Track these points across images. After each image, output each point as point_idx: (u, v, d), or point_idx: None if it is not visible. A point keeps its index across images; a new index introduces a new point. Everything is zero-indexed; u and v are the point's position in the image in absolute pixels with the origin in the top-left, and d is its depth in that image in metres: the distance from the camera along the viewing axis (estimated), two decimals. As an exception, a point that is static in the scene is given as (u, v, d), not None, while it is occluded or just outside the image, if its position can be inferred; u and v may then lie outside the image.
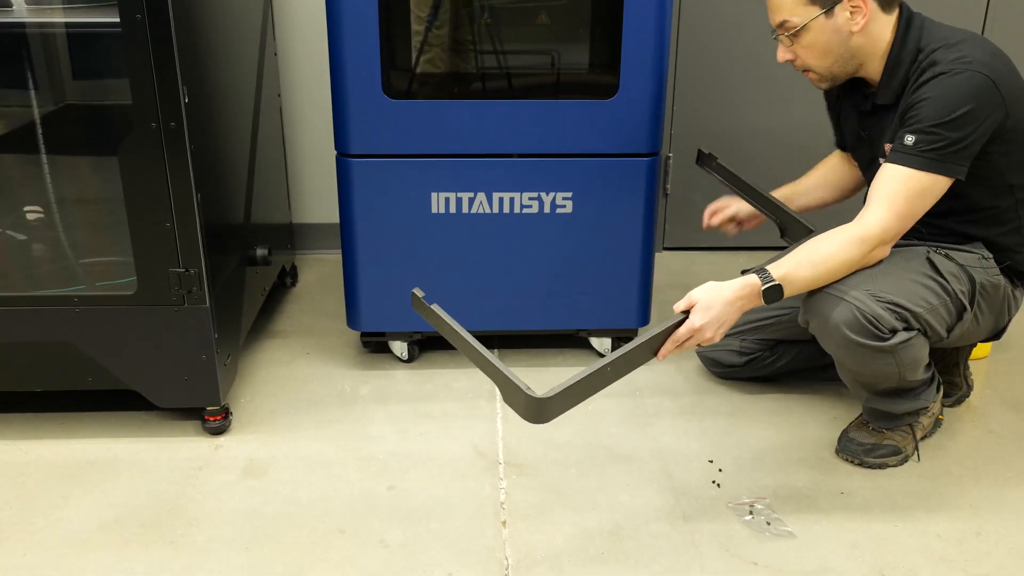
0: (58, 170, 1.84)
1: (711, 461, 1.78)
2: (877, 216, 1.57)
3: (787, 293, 1.55)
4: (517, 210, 1.98)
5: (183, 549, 1.52)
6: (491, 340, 2.21)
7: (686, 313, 1.51)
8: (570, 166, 1.95)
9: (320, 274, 2.67)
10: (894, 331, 1.58)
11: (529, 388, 1.40)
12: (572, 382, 1.42)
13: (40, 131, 1.82)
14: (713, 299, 1.51)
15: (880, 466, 1.75)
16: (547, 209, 1.98)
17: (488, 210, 1.98)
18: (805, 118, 2.03)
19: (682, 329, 1.50)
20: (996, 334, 1.81)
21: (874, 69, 1.66)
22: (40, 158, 1.82)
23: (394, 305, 2.04)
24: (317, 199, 2.75)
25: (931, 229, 1.67)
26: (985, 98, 1.54)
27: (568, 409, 1.45)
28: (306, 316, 2.40)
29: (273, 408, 1.95)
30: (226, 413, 1.85)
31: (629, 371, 1.51)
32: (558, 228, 2.00)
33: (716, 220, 1.96)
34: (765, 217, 1.89)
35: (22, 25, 1.72)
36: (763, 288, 1.53)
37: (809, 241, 1.62)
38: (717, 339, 1.53)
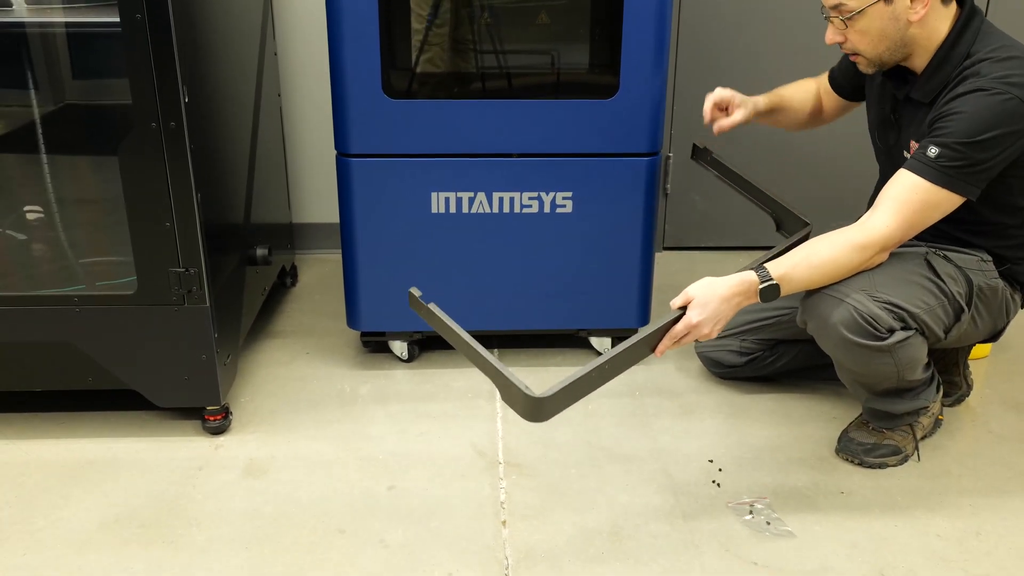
0: (58, 170, 1.84)
1: (711, 461, 1.78)
2: (884, 222, 1.56)
3: (784, 292, 1.55)
4: (517, 210, 1.98)
5: (183, 549, 1.52)
6: (491, 340, 2.21)
7: (683, 309, 1.51)
8: (570, 166, 1.95)
9: (320, 274, 2.68)
10: (892, 331, 1.58)
11: (527, 387, 1.40)
12: (570, 380, 1.42)
13: (40, 131, 1.82)
14: (710, 295, 1.51)
15: (880, 466, 1.75)
16: (547, 209, 1.98)
17: (488, 210, 1.98)
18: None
19: (679, 325, 1.50)
20: (994, 336, 1.81)
21: (921, 62, 1.63)
22: (40, 158, 1.82)
23: (394, 305, 2.04)
24: (317, 199, 2.75)
25: (934, 234, 1.66)
26: (1016, 124, 1.52)
27: (566, 407, 1.45)
28: (306, 316, 2.40)
29: (273, 408, 1.96)
30: (226, 413, 1.86)
31: (627, 368, 1.52)
32: (558, 228, 2.00)
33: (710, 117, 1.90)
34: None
35: (22, 25, 1.72)
36: (761, 286, 1.53)
37: (810, 241, 1.62)
38: (714, 335, 1.54)
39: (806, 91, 1.98)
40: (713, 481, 1.71)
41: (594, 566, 1.49)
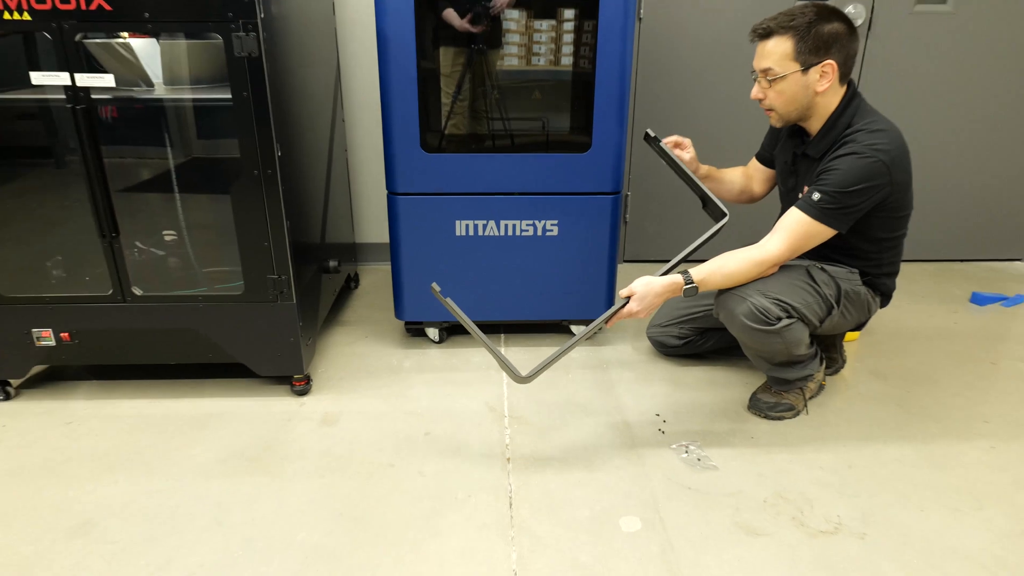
0: (187, 204, 1.86)
1: (657, 414, 1.79)
2: (776, 245, 1.59)
3: (701, 291, 1.60)
4: (518, 233, 1.99)
5: (277, 477, 1.54)
6: (498, 327, 2.22)
7: (627, 298, 1.59)
8: (556, 201, 1.96)
9: (375, 279, 2.69)
10: (779, 319, 1.60)
11: (514, 368, 1.54)
12: (546, 360, 1.57)
13: (174, 176, 1.84)
14: (647, 292, 1.57)
15: (779, 418, 1.76)
16: (540, 232, 1.99)
17: (497, 233, 1.99)
18: (742, 160, 2.04)
19: (623, 312, 1.59)
20: (860, 326, 1.83)
21: (816, 125, 1.63)
22: (174, 196, 1.84)
23: (429, 302, 2.05)
24: (373, 225, 2.76)
25: (816, 254, 1.67)
26: (878, 179, 1.52)
27: (542, 373, 1.59)
28: (365, 310, 2.41)
29: (341, 376, 1.97)
30: (308, 380, 1.86)
31: (586, 340, 1.63)
32: (548, 246, 2.01)
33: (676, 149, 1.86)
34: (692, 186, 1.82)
35: (161, 100, 1.73)
36: (685, 287, 1.58)
37: (721, 256, 1.63)
38: (644, 317, 1.62)
39: (735, 173, 1.96)
40: (659, 429, 1.72)
41: (574, 489, 1.50)
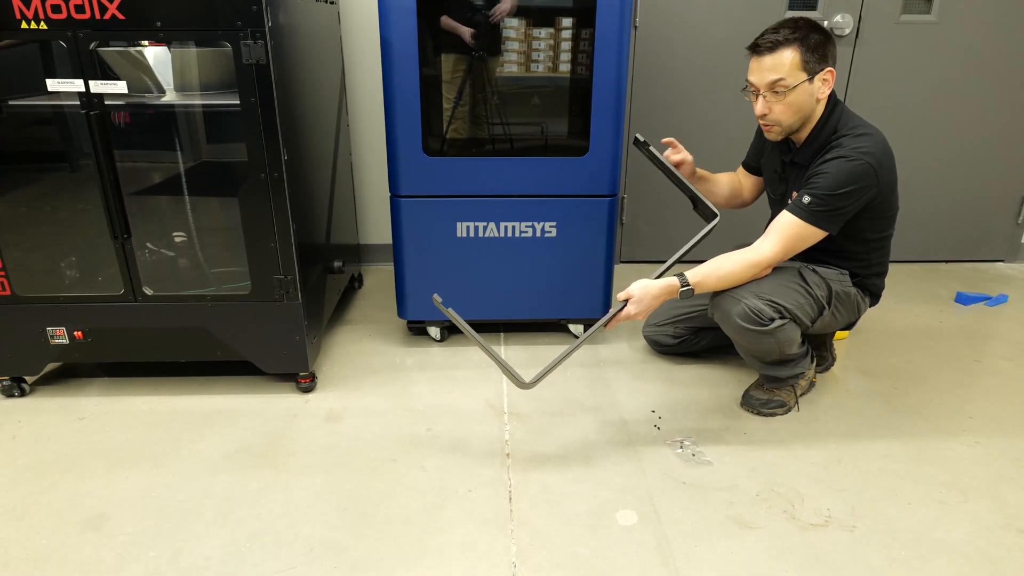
0: (196, 207, 1.85)
1: (653, 411, 1.79)
2: (769, 247, 1.58)
3: (697, 293, 1.59)
4: (517, 234, 1.99)
5: (283, 472, 1.54)
6: (498, 326, 2.22)
7: (624, 301, 1.58)
8: (555, 203, 1.96)
9: (378, 280, 2.68)
10: (772, 320, 1.59)
11: (518, 374, 1.51)
12: (548, 367, 1.54)
13: (184, 180, 1.84)
14: (644, 295, 1.57)
15: (771, 415, 1.76)
16: (538, 234, 1.99)
17: (497, 234, 1.98)
18: (733, 166, 2.04)
19: (621, 315, 1.58)
20: (850, 325, 1.83)
21: (803, 134, 1.63)
22: (184, 199, 1.84)
23: (431, 302, 2.04)
24: (377, 226, 2.75)
25: (807, 256, 1.67)
26: (866, 182, 1.53)
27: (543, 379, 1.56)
28: (369, 309, 2.41)
29: (346, 374, 1.96)
30: (313, 377, 1.86)
31: (586, 342, 1.60)
32: (546, 247, 2.00)
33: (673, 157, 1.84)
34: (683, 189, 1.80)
35: (172, 106, 1.73)
36: (681, 289, 1.56)
37: (716, 258, 1.62)
38: (642, 319, 1.63)
39: (726, 177, 1.94)
40: (655, 425, 1.72)
41: (572, 484, 1.50)
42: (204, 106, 1.75)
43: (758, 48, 1.54)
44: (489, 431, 1.69)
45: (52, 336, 1.74)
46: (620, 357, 2.07)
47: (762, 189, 1.93)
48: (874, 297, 1.77)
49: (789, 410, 1.77)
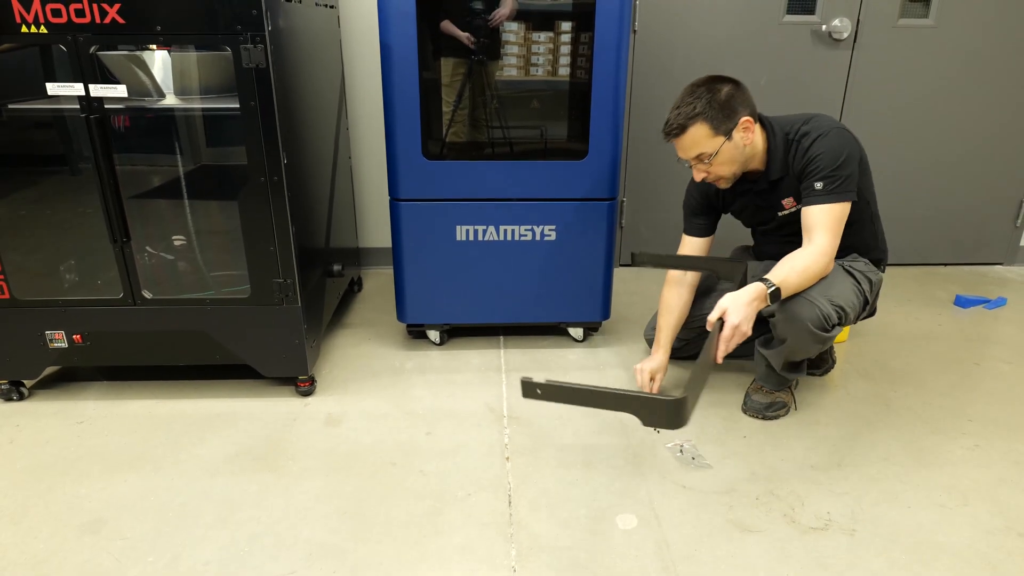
0: (196, 210, 1.85)
1: (652, 414, 1.78)
2: (824, 239, 1.56)
3: (784, 294, 1.53)
4: (517, 238, 1.98)
5: (283, 475, 1.53)
6: (497, 329, 2.22)
7: (720, 321, 1.43)
8: (554, 207, 1.96)
9: (378, 283, 2.68)
10: (834, 326, 1.58)
11: (667, 395, 1.22)
12: (689, 390, 1.23)
13: (183, 183, 1.83)
14: (738, 304, 1.45)
15: (775, 417, 1.75)
16: (538, 237, 1.99)
17: (496, 238, 1.98)
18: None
19: (726, 331, 1.43)
20: (872, 312, 1.81)
21: (758, 162, 1.65)
22: (184, 202, 1.84)
23: (430, 305, 2.05)
24: (376, 230, 2.76)
25: (838, 257, 1.67)
26: (852, 142, 1.58)
27: (694, 405, 1.26)
28: (368, 312, 2.41)
29: (345, 377, 1.96)
30: (312, 380, 1.86)
31: (707, 376, 1.37)
32: (546, 251, 2.00)
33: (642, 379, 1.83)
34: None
35: (172, 109, 1.73)
36: (769, 291, 1.50)
37: (786, 259, 1.57)
38: (749, 331, 1.44)
39: (690, 275, 1.85)
40: (654, 429, 1.71)
41: (572, 488, 1.50)
42: (204, 110, 1.74)
43: (670, 130, 1.58)
44: (489, 434, 1.69)
45: (51, 339, 1.74)
46: (620, 360, 2.07)
47: (709, 252, 1.88)
48: (882, 263, 1.78)
49: (789, 410, 1.78)
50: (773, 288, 1.50)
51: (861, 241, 1.72)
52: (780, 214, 1.70)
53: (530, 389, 1.24)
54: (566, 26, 1.94)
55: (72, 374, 1.95)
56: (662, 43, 2.54)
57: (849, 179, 1.56)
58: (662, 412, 1.21)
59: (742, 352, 1.96)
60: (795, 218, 1.65)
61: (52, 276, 1.78)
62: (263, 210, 1.63)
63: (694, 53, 2.55)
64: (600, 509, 1.43)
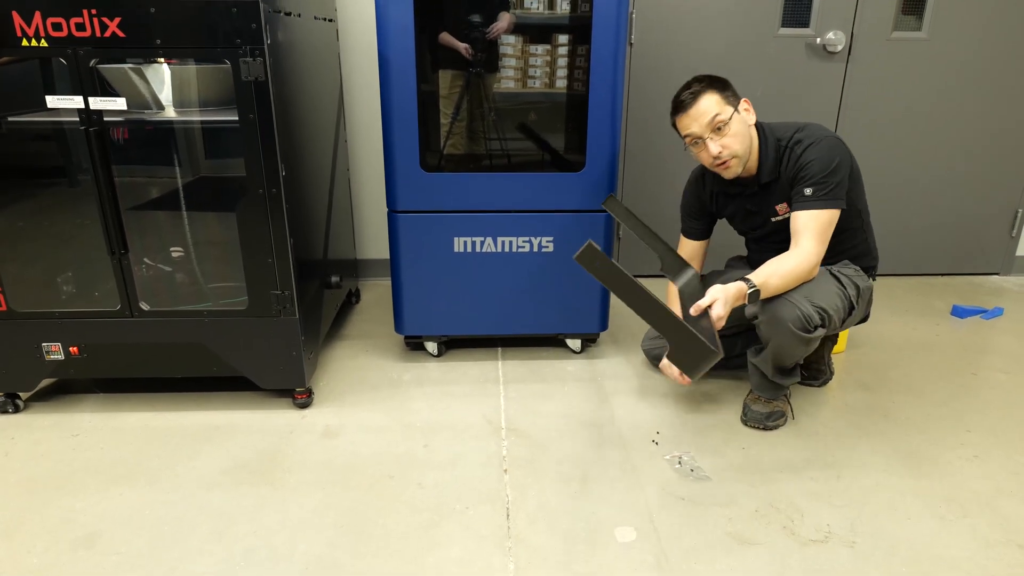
0: (194, 222, 1.85)
1: (652, 426, 1.78)
2: (809, 244, 1.59)
3: (763, 295, 1.57)
4: (515, 249, 1.99)
5: (279, 488, 1.52)
6: (495, 341, 2.22)
7: (710, 305, 1.50)
8: (552, 219, 1.97)
9: (376, 295, 2.68)
10: (816, 328, 1.59)
11: (704, 340, 1.26)
12: (706, 340, 1.29)
13: (182, 194, 1.84)
14: (725, 296, 1.50)
15: (774, 427, 1.75)
16: (536, 249, 1.99)
17: (494, 249, 1.99)
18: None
19: (713, 315, 1.48)
20: (865, 319, 1.83)
21: (752, 163, 1.69)
22: (182, 213, 1.84)
23: (428, 316, 2.05)
24: (374, 241, 2.75)
25: (827, 262, 1.71)
26: (844, 151, 1.62)
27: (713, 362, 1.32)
28: (366, 324, 2.40)
29: (343, 389, 1.95)
30: (309, 393, 1.85)
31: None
32: (544, 262, 2.01)
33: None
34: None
35: (171, 122, 1.74)
36: (748, 291, 1.54)
37: (770, 261, 1.61)
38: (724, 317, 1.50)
39: (694, 259, 1.90)
40: (653, 441, 1.71)
41: (570, 500, 1.49)
42: (203, 122, 1.75)
43: (683, 104, 1.64)
44: (487, 447, 1.68)
45: (47, 352, 1.74)
46: (618, 371, 2.07)
47: (705, 254, 1.92)
48: (872, 270, 1.79)
49: (787, 419, 1.78)
50: (753, 288, 1.55)
51: (852, 248, 1.74)
52: (774, 219, 1.72)
53: (589, 257, 1.25)
54: (563, 39, 1.96)
55: (68, 386, 1.94)
56: (658, 56, 2.56)
57: (839, 186, 1.60)
58: (696, 355, 1.27)
59: (736, 364, 1.97)
60: (788, 224, 1.67)
61: (49, 288, 1.78)
62: (261, 222, 1.63)
63: (690, 65, 2.57)
64: (598, 522, 1.42)
